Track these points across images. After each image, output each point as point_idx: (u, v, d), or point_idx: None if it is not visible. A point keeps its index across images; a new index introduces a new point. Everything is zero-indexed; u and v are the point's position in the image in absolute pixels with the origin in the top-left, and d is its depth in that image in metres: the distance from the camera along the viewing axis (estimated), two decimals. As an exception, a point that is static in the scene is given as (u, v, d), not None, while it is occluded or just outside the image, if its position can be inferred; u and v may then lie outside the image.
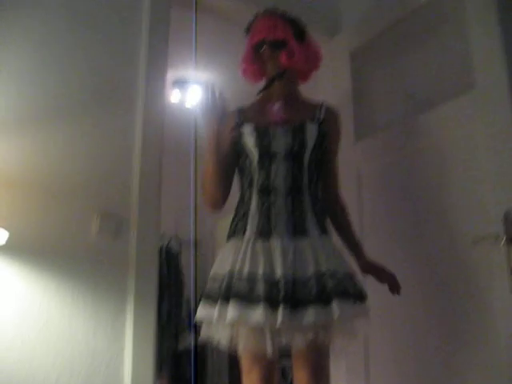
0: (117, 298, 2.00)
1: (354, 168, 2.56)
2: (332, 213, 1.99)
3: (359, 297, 1.73)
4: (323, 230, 1.85)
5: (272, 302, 1.62)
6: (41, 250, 1.91)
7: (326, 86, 2.82)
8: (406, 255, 2.29)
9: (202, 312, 1.75)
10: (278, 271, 1.68)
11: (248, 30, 2.03)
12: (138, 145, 2.15)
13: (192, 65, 3.98)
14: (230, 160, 1.94)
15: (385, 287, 1.93)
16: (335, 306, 1.63)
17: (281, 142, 1.85)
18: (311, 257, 1.73)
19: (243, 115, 1.97)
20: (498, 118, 1.94)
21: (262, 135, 1.87)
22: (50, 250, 1.92)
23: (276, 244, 1.74)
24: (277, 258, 1.71)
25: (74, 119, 2.06)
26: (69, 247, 1.96)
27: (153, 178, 2.16)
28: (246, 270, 1.70)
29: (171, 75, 4.21)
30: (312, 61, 2.03)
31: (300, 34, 1.98)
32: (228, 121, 1.94)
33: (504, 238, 1.79)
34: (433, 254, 2.18)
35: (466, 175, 2.08)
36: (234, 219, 1.89)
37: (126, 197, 2.10)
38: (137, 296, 2.01)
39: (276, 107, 1.93)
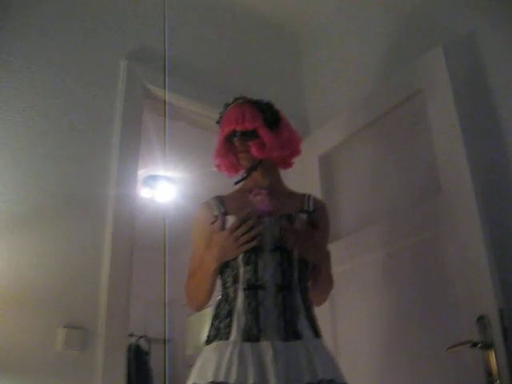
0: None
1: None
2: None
3: None
4: (316, 333, 1.69)
5: None
6: (3, 362, 1.80)
7: (296, 188, 2.86)
8: (377, 354, 2.27)
9: None
10: (271, 379, 1.49)
11: (219, 121, 1.91)
12: (107, 250, 2.12)
13: (163, 163, 4.05)
14: None
15: None
16: None
17: (268, 235, 1.71)
18: (306, 363, 1.57)
19: (223, 206, 1.83)
20: (464, 221, 1.97)
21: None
22: (11, 362, 1.82)
23: (266, 348, 1.56)
24: (268, 365, 1.52)
25: (41, 227, 2.02)
26: (33, 360, 1.86)
27: (122, 283, 2.11)
28: (232, 378, 1.49)
29: (142, 173, 4.28)
30: (289, 146, 1.88)
31: (272, 120, 1.84)
32: (206, 212, 1.83)
33: (479, 344, 1.78)
34: (409, 356, 2.14)
35: (439, 280, 2.09)
36: (214, 319, 1.71)
37: (93, 306, 2.03)
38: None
39: (260, 197, 1.79)
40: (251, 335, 1.60)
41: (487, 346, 1.78)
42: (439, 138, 2.15)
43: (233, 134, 1.83)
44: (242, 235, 1.67)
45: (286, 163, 1.97)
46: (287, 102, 2.97)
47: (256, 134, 1.80)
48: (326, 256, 1.85)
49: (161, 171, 4.34)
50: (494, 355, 1.76)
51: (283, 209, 1.79)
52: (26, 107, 2.12)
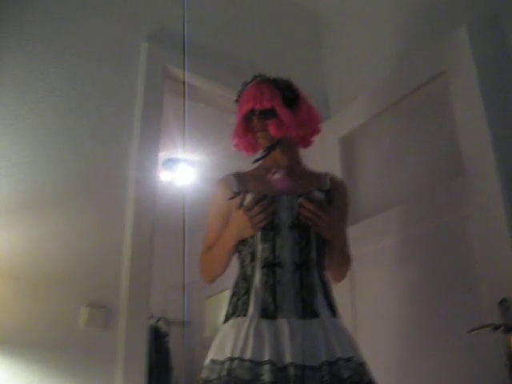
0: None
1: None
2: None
3: None
4: (333, 312, 1.69)
5: None
6: (26, 341, 1.83)
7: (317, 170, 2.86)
8: (398, 337, 2.27)
9: None
10: (287, 357, 1.49)
11: (238, 100, 1.89)
12: (128, 231, 2.13)
13: (182, 146, 4.05)
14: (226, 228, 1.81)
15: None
16: None
17: (286, 213, 1.70)
18: (323, 341, 1.56)
19: (242, 183, 1.81)
20: (488, 203, 1.95)
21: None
22: (35, 341, 1.85)
23: (283, 325, 1.56)
24: (285, 342, 1.52)
25: (64, 207, 2.04)
26: (56, 338, 1.89)
27: (143, 266, 2.13)
28: (248, 354, 1.49)
29: (162, 155, 4.29)
30: (308, 125, 1.87)
31: (290, 98, 1.82)
32: (224, 187, 1.82)
33: (502, 327, 1.77)
34: (430, 339, 2.14)
35: (460, 263, 2.08)
36: (232, 297, 1.71)
37: (115, 286, 2.05)
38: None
39: (279, 175, 1.78)
40: (268, 312, 1.60)
41: (509, 329, 1.77)
42: (463, 119, 2.12)
43: (251, 112, 1.82)
44: (257, 215, 1.66)
45: (306, 142, 1.95)
46: (308, 83, 2.92)
47: (274, 113, 1.78)
48: (341, 234, 1.84)
49: (180, 154, 4.34)
50: (515, 338, 1.76)
51: (301, 187, 1.78)
52: (48, 88, 2.13)
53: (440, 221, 2.18)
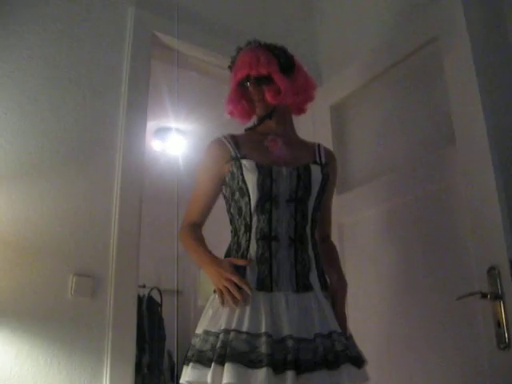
0: (93, 360, 1.92)
1: (336, 220, 2.55)
2: (323, 250, 1.83)
3: (362, 362, 1.61)
4: (324, 286, 1.70)
5: (276, 365, 1.43)
6: (13, 309, 1.82)
7: (307, 138, 2.83)
8: (387, 305, 2.28)
9: (193, 375, 1.50)
10: (284, 329, 1.50)
11: (231, 66, 1.85)
12: (116, 199, 2.11)
13: (173, 114, 4.01)
14: (215, 193, 1.79)
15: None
16: (345, 374, 1.50)
17: (284, 185, 1.68)
18: (317, 314, 1.58)
19: (238, 147, 1.76)
20: (478, 172, 1.94)
21: (265, 175, 1.67)
22: (23, 310, 1.83)
23: (279, 298, 1.56)
24: (281, 315, 1.53)
25: (50, 175, 2.01)
26: (43, 307, 1.88)
27: (131, 234, 2.11)
28: (245, 326, 1.49)
29: (153, 125, 4.25)
30: (303, 92, 1.84)
31: (286, 65, 1.79)
32: (221, 149, 1.77)
33: (489, 295, 1.79)
34: (418, 307, 2.15)
35: (449, 231, 2.08)
36: None
37: (103, 255, 2.04)
38: (114, 357, 1.94)
39: (275, 144, 1.76)
40: (264, 285, 1.59)
41: (497, 296, 1.78)
42: (455, 87, 2.09)
43: (246, 79, 1.78)
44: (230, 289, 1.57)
45: (300, 109, 1.93)
46: (299, 50, 2.87)
47: (270, 80, 1.75)
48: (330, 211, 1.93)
49: (172, 123, 4.29)
50: (503, 306, 1.76)
51: (298, 159, 1.76)
52: (32, 55, 2.08)
53: (430, 189, 2.18)
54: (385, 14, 2.64)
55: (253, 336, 1.48)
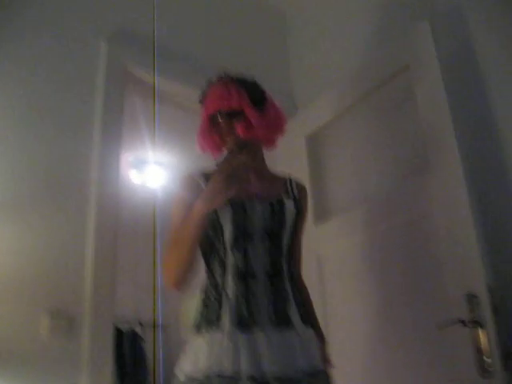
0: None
1: (314, 250, 2.55)
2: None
3: None
4: (305, 320, 1.66)
5: None
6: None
7: (283, 169, 2.83)
8: (368, 335, 2.25)
9: None
10: (267, 370, 1.46)
11: (202, 100, 1.81)
12: (91, 234, 2.08)
13: (150, 146, 4.01)
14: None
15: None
16: None
17: (258, 220, 1.63)
18: (300, 351, 1.55)
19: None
20: (453, 198, 1.94)
21: (238, 210, 1.62)
22: (-4, 351, 1.79)
23: (260, 338, 1.52)
24: (263, 353, 1.49)
25: (23, 211, 1.98)
26: (16, 349, 1.83)
27: (106, 270, 2.07)
28: (228, 370, 1.45)
29: (131, 157, 4.25)
30: (275, 126, 1.80)
31: (257, 99, 1.75)
32: (194, 187, 1.70)
33: (470, 323, 1.78)
34: (399, 335, 2.14)
35: (426, 259, 2.08)
36: (203, 307, 1.63)
37: (78, 291, 2.00)
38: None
39: (251, 177, 1.71)
40: (244, 324, 1.54)
41: (476, 323, 1.77)
42: (427, 114, 2.11)
43: (217, 113, 1.74)
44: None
45: (271, 143, 1.88)
46: (274, 81, 2.94)
47: (241, 114, 1.71)
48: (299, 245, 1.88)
49: (150, 155, 4.29)
50: (483, 333, 1.76)
51: (270, 192, 1.73)
52: (6, 88, 2.07)
53: (407, 216, 2.18)
54: (358, 43, 2.68)
55: (237, 380, 1.43)
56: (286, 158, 2.73)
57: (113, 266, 2.10)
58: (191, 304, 5.56)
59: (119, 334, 4.64)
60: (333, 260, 2.46)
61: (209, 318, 1.57)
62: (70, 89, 2.26)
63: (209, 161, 1.86)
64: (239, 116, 1.72)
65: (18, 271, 1.91)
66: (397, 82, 2.34)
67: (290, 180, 1.87)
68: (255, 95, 1.76)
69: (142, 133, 3.45)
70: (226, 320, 1.54)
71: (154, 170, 4.44)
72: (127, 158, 4.31)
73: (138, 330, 5.06)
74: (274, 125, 1.80)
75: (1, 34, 2.13)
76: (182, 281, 1.61)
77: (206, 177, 1.73)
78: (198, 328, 1.59)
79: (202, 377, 1.45)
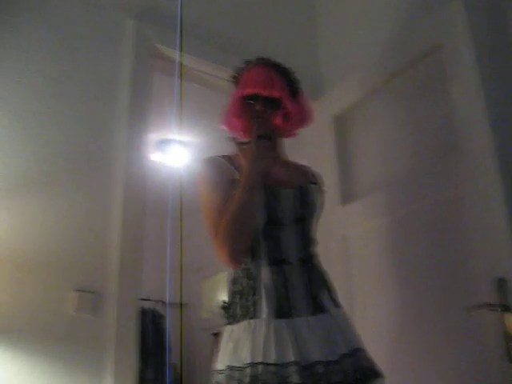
0: (95, 378, 1.88)
1: (341, 231, 2.55)
2: None
3: (382, 375, 1.59)
4: (337, 303, 1.67)
5: None
6: (15, 328, 1.79)
7: (310, 149, 2.82)
8: (393, 318, 2.25)
9: None
10: (311, 355, 1.46)
11: (236, 78, 1.79)
12: (118, 212, 2.08)
13: (175, 126, 4.00)
14: None
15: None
16: None
17: (288, 206, 1.64)
18: (338, 334, 1.56)
19: (238, 169, 1.67)
20: (485, 182, 1.91)
21: (270, 196, 1.61)
22: (24, 328, 1.80)
23: (301, 324, 1.51)
24: (306, 340, 1.48)
25: (49, 189, 1.98)
26: (45, 325, 1.84)
27: (133, 248, 2.08)
28: (272, 358, 1.42)
29: (154, 137, 4.24)
30: (305, 120, 1.83)
31: (294, 90, 1.77)
32: (221, 169, 1.68)
33: (498, 307, 1.76)
34: (424, 319, 2.12)
35: (456, 242, 2.05)
36: (235, 296, 1.61)
37: (104, 270, 2.01)
38: (116, 374, 1.90)
39: (277, 166, 1.71)
40: (284, 312, 1.53)
41: (506, 308, 1.75)
42: (459, 95, 2.06)
43: (254, 96, 1.71)
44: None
45: (294, 133, 1.87)
46: (302, 61, 2.91)
47: (277, 103, 1.71)
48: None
49: (174, 135, 4.28)
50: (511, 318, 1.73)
51: (294, 179, 1.74)
52: (31, 68, 2.07)
53: (435, 199, 2.15)
54: (388, 22, 2.62)
55: (281, 366, 1.42)
56: (314, 136, 2.71)
57: (140, 243, 2.11)
58: (212, 284, 5.64)
59: (141, 312, 4.70)
60: (358, 241, 2.44)
61: (248, 308, 1.56)
62: (98, 66, 2.25)
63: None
64: (274, 104, 1.71)
65: (45, 248, 1.92)
66: (427, 62, 2.29)
67: (309, 167, 1.89)
68: (293, 86, 1.77)
69: (167, 112, 3.43)
70: (264, 307, 1.53)
71: (177, 149, 4.44)
72: (152, 136, 4.31)
73: (159, 308, 5.12)
74: (305, 118, 1.82)
75: (24, 11, 2.12)
76: (241, 254, 1.60)
77: (230, 160, 1.72)
78: (234, 317, 1.58)
79: (245, 365, 1.44)
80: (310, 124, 1.87)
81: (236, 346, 1.50)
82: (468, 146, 2.01)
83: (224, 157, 1.74)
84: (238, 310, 1.58)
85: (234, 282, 1.66)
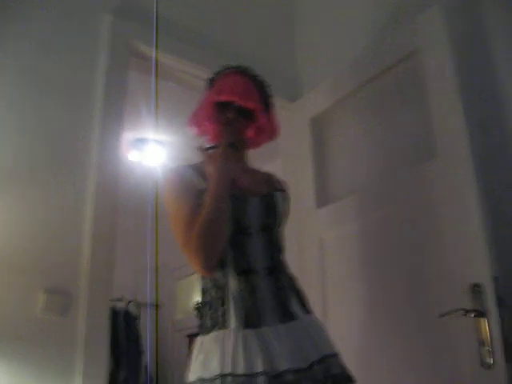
0: (64, 380, 1.84)
1: (316, 234, 2.53)
2: None
3: (354, 380, 1.58)
4: (307, 310, 1.67)
5: None
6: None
7: (287, 150, 2.81)
8: (367, 322, 2.23)
9: None
10: (280, 364, 1.45)
11: (212, 81, 1.79)
12: (89, 211, 2.03)
13: (151, 125, 3.96)
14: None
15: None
16: None
17: (255, 215, 1.64)
18: (309, 341, 1.55)
19: (205, 178, 1.64)
20: (460, 187, 1.92)
21: (237, 205, 1.60)
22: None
23: (269, 333, 1.51)
24: (273, 348, 1.47)
25: (20, 186, 1.93)
26: (12, 326, 1.79)
27: (105, 248, 2.03)
28: (240, 368, 1.42)
29: (130, 135, 4.19)
30: (273, 134, 1.85)
31: (267, 103, 1.79)
32: (187, 178, 1.66)
33: (473, 312, 1.76)
34: (398, 324, 2.12)
35: (430, 246, 2.05)
36: (204, 307, 1.61)
37: (74, 271, 1.95)
38: (86, 377, 1.86)
39: (242, 175, 1.69)
40: (252, 321, 1.52)
41: (480, 313, 1.76)
42: (436, 100, 2.07)
43: (227, 104, 1.70)
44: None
45: (258, 146, 1.88)
46: (279, 63, 2.90)
47: (250, 115, 1.72)
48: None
49: (150, 134, 4.24)
50: (486, 323, 1.74)
51: (261, 187, 1.74)
52: (7, 64, 2.01)
53: (410, 204, 2.15)
54: (366, 26, 2.62)
55: (250, 377, 1.41)
56: (291, 139, 2.70)
57: (111, 243, 2.06)
58: (186, 285, 5.58)
59: (113, 313, 4.65)
60: (334, 244, 2.44)
61: (216, 318, 1.55)
62: (73, 62, 2.20)
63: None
64: (246, 114, 1.72)
65: (12, 248, 1.86)
66: (405, 67, 2.29)
67: (273, 175, 1.88)
68: (266, 99, 1.79)
69: (143, 111, 3.39)
70: (233, 318, 1.53)
71: (153, 148, 4.39)
72: (127, 134, 4.26)
73: (131, 309, 5.07)
74: (274, 133, 1.85)
75: (4, 7, 2.06)
76: (215, 262, 1.57)
77: (197, 169, 1.69)
78: (204, 328, 1.58)
79: (215, 377, 1.43)
80: (275, 139, 1.88)
81: (206, 358, 1.49)
82: (443, 151, 2.01)
83: (190, 166, 1.72)
84: (207, 320, 1.57)
85: (203, 292, 1.65)
